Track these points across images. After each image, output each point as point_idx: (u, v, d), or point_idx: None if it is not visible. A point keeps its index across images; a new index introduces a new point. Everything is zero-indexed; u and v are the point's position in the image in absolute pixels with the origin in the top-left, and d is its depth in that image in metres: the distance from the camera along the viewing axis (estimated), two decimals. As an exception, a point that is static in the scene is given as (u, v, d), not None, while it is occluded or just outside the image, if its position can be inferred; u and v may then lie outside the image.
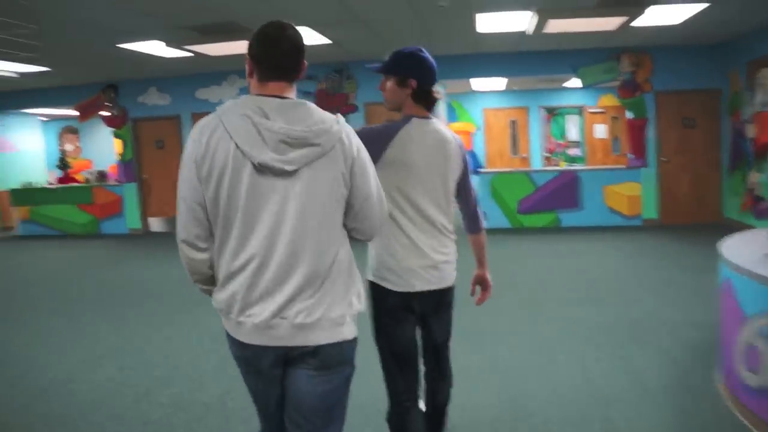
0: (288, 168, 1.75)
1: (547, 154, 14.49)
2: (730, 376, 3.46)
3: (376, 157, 2.34)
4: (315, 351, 1.84)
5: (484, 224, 2.87)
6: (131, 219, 12.03)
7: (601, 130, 14.21)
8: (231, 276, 1.83)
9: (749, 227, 6.79)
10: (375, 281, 2.54)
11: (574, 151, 14.44)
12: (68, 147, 15.55)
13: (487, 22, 7.50)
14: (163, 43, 7.71)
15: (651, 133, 10.01)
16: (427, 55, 2.52)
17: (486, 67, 10.41)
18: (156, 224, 12.22)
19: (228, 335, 1.91)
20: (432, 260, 2.50)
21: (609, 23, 7.14)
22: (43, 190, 12.63)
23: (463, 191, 2.68)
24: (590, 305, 5.63)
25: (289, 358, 1.87)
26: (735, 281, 3.36)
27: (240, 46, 7.38)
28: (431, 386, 2.81)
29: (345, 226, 1.93)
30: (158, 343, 5.16)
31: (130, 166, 11.97)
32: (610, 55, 9.90)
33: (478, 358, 4.45)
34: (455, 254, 2.64)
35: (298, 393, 1.90)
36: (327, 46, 8.72)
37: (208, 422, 3.64)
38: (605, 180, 10.04)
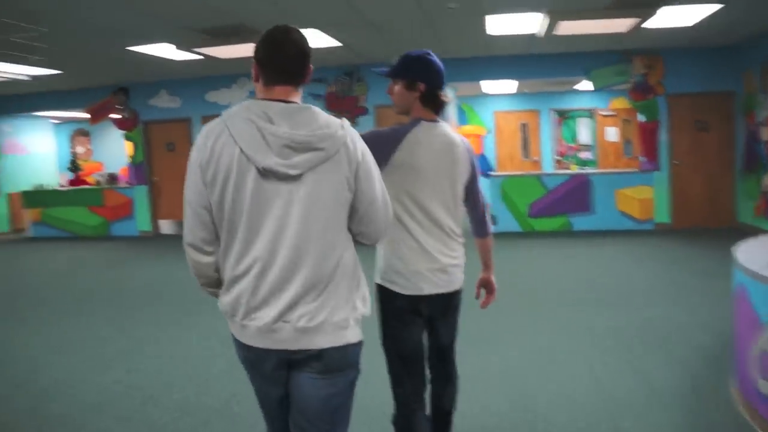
0: (292, 172, 1.75)
1: (559, 158, 14.41)
2: (744, 382, 3.39)
3: (384, 160, 2.37)
4: (318, 355, 1.84)
5: (492, 228, 2.84)
6: (141, 221, 12.07)
7: (612, 133, 14.12)
8: (235, 279, 1.83)
9: (763, 232, 6.71)
10: (383, 284, 2.53)
11: (585, 155, 14.35)
12: (79, 149, 15.64)
13: (497, 24, 7.46)
14: (173, 46, 7.73)
15: (663, 136, 9.92)
16: (435, 58, 2.51)
17: (496, 69, 10.37)
18: (166, 227, 12.25)
19: (233, 337, 1.92)
20: (440, 263, 2.49)
21: (620, 25, 7.08)
22: (54, 192, 12.71)
23: (471, 195, 2.67)
24: (601, 309, 5.57)
25: (292, 361, 1.87)
26: (750, 287, 3.30)
27: (249, 49, 7.34)
28: (437, 390, 2.79)
29: (350, 230, 1.93)
30: (166, 346, 5.14)
31: (140, 168, 12.01)
32: (621, 58, 9.83)
33: (487, 361, 4.40)
34: (463, 257, 2.62)
35: (303, 396, 1.90)
36: (337, 49, 8.71)
37: (214, 426, 3.61)
38: (617, 183, 9.96)
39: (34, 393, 4.22)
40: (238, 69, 9.98)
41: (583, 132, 14.42)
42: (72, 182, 13.89)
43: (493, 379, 4.10)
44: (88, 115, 12.12)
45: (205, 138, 1.81)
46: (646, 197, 9.87)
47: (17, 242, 12.18)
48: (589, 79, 10.17)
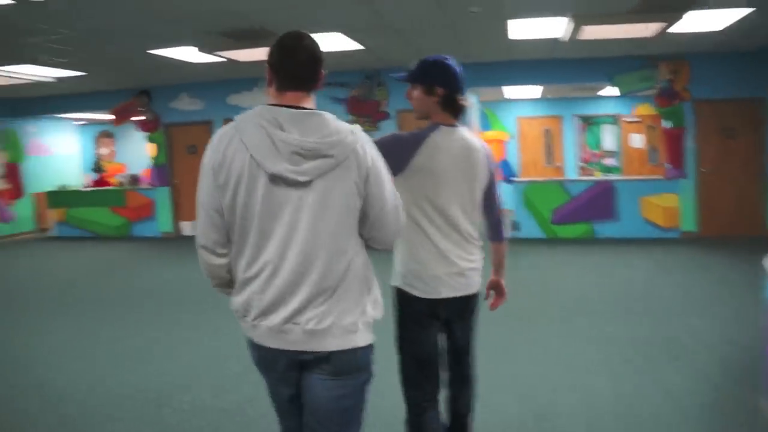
0: (301, 179, 1.78)
1: (583, 164, 14.24)
2: (773, 398, 3.28)
3: (403, 164, 2.42)
4: (328, 357, 1.86)
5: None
6: (163, 222, 12.14)
7: (637, 140, 13.92)
8: (247, 281, 1.87)
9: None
10: (401, 287, 2.55)
11: (609, 161, 14.16)
12: (103, 151, 15.78)
13: (520, 29, 7.37)
14: (195, 49, 7.74)
15: (689, 143, 9.72)
16: (453, 62, 2.53)
17: (519, 74, 10.25)
18: (187, 228, 12.30)
19: (246, 337, 1.96)
20: (458, 267, 2.51)
21: (645, 29, 6.93)
22: (77, 192, 12.85)
23: (488, 199, 2.67)
24: (625, 320, 5.43)
25: (303, 362, 1.89)
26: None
27: (271, 51, 7.35)
28: (453, 393, 2.78)
29: (361, 235, 1.94)
30: (182, 347, 5.13)
31: (162, 170, 12.08)
32: (646, 63, 9.66)
33: (507, 371, 4.31)
34: (481, 261, 2.65)
35: (314, 398, 1.92)
36: (358, 52, 8.68)
37: (227, 430, 3.59)
38: (642, 191, 9.78)
39: (49, 392, 4.23)
40: (259, 72, 9.88)
41: (607, 138, 14.24)
42: (95, 183, 14.03)
43: (513, 389, 4.01)
44: (112, 117, 12.23)
45: (218, 142, 1.85)
46: (671, 205, 9.68)
47: (41, 241, 12.31)
48: (614, 84, 10.02)
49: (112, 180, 13.92)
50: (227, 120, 10.99)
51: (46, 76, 9.36)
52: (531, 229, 10.06)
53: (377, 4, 6.17)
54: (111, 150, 15.90)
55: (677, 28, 7.14)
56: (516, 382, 4.12)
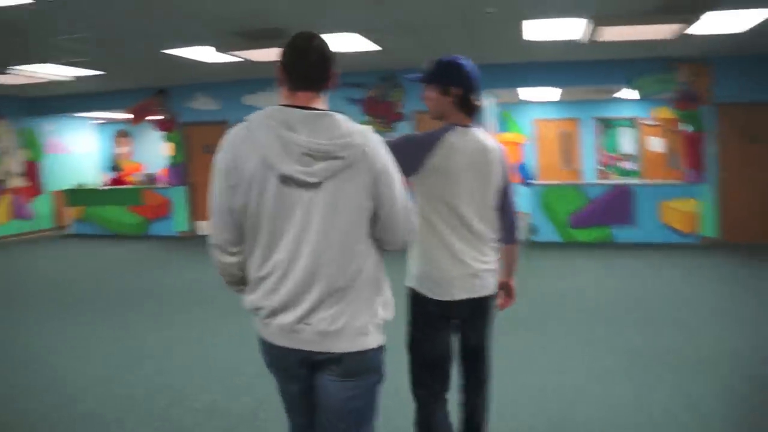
0: (311, 180, 1.79)
1: (601, 167, 14.10)
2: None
3: (418, 165, 2.43)
4: (339, 359, 1.88)
5: (521, 236, 2.79)
6: (179, 222, 12.17)
7: (656, 144, 13.76)
8: (259, 281, 1.90)
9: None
10: (415, 288, 2.56)
11: (627, 165, 14.01)
12: (121, 150, 15.87)
13: (535, 30, 7.28)
14: (212, 48, 7.75)
15: (710, 147, 9.58)
16: (468, 63, 2.53)
17: (536, 76, 10.15)
18: (203, 227, 12.32)
19: (258, 336, 1.99)
20: (472, 269, 2.51)
21: (664, 31, 6.83)
22: (95, 191, 12.93)
23: (503, 201, 2.65)
24: (645, 327, 5.33)
25: (314, 362, 1.91)
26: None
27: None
28: (468, 399, 2.77)
29: (372, 237, 1.93)
30: (196, 348, 5.11)
31: (179, 169, 12.12)
32: (666, 65, 9.53)
33: (525, 379, 4.24)
34: (496, 262, 2.64)
35: (325, 399, 1.94)
36: (375, 53, 8.65)
37: (240, 433, 3.56)
38: (661, 195, 9.65)
39: (64, 390, 4.24)
40: (275, 72, 9.95)
41: (626, 141, 14.09)
42: (113, 182, 14.11)
43: (531, 398, 3.94)
44: (129, 116, 12.29)
45: (229, 143, 1.87)
46: (691, 210, 9.55)
47: (59, 239, 12.40)
48: (633, 87, 9.90)
49: (129, 179, 13.99)
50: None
51: (64, 75, 9.41)
52: (548, 232, 9.98)
53: (393, 5, 6.13)
54: (128, 149, 15.98)
55: (698, 30, 7.03)
56: (531, 390, 4.05)
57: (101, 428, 3.64)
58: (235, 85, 11.31)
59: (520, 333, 5.18)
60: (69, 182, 13.45)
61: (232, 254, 1.93)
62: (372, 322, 1.90)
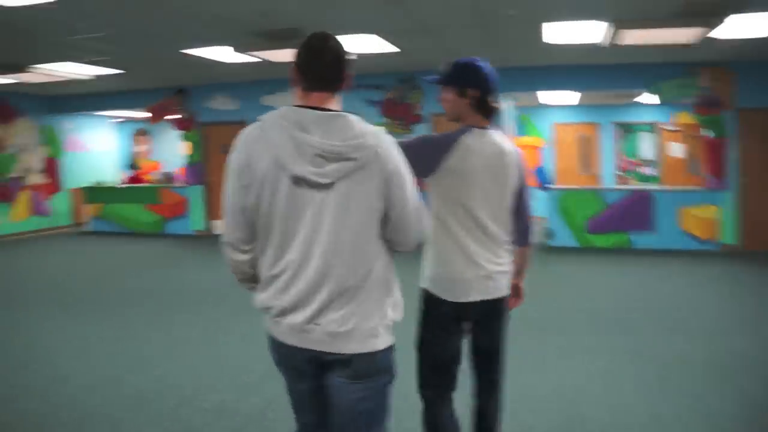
0: (323, 181, 1.80)
1: (620, 173, 13.95)
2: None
3: (434, 166, 2.42)
4: (348, 360, 1.88)
5: (535, 239, 2.76)
6: (196, 221, 12.21)
7: (676, 149, 13.59)
8: (270, 280, 1.91)
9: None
10: (429, 290, 2.55)
11: (647, 170, 13.85)
12: (139, 148, 15.97)
13: (555, 33, 7.21)
14: (231, 48, 7.76)
15: (731, 153, 9.44)
16: (485, 64, 2.52)
17: (554, 79, 10.07)
18: (219, 226, 12.37)
19: (267, 334, 2.00)
20: (486, 271, 2.49)
21: (687, 35, 6.72)
22: (113, 189, 13.02)
23: (518, 203, 2.63)
24: (662, 335, 5.23)
25: (323, 362, 1.92)
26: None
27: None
28: (480, 403, 2.75)
29: (383, 238, 1.93)
30: (207, 348, 5.11)
31: (197, 169, 12.17)
32: (688, 70, 9.40)
33: (539, 382, 4.19)
34: (510, 264, 2.63)
35: (336, 400, 1.95)
36: (394, 55, 8.62)
37: (248, 434, 3.53)
38: (680, 201, 9.52)
39: (73, 387, 4.24)
40: (289, 73, 9.95)
41: (645, 147, 13.94)
42: (131, 180, 14.20)
43: (543, 403, 3.88)
44: (148, 115, 12.37)
45: (242, 143, 1.89)
46: (711, 217, 9.40)
47: (77, 236, 12.50)
48: (654, 91, 9.78)
49: (147, 177, 14.08)
50: (261, 120, 11.03)
51: (85, 74, 9.49)
52: (565, 237, 9.88)
53: (413, 7, 6.10)
54: (147, 147, 16.08)
55: (721, 34, 6.92)
56: (544, 396, 3.98)
57: (110, 427, 3.63)
58: (254, 86, 11.34)
59: (533, 337, 5.12)
60: (87, 180, 13.58)
61: (244, 252, 1.95)
62: (382, 324, 1.90)
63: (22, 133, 12.38)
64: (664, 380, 4.21)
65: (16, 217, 12.27)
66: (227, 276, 2.11)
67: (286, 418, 3.43)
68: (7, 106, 11.97)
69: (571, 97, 12.24)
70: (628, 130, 13.97)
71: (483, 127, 2.51)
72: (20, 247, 11.05)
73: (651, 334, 5.24)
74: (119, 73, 9.75)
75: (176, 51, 8.07)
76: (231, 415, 3.77)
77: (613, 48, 7.54)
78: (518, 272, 2.80)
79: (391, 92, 10.82)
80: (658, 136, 13.79)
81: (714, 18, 6.20)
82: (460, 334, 2.59)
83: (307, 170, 1.78)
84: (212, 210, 12.21)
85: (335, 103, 1.91)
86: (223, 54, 8.25)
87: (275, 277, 1.89)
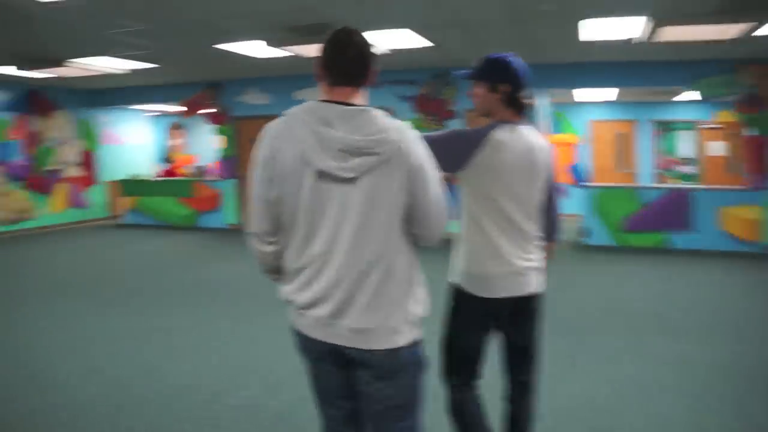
0: (347, 175, 1.81)
1: (658, 171, 13.67)
2: None
3: (465, 161, 2.41)
4: (372, 356, 1.90)
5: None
6: (228, 214, 12.28)
7: (717, 148, 13.27)
8: (294, 273, 1.94)
9: None
10: (458, 285, 2.55)
11: (686, 169, 13.55)
12: (174, 142, 16.15)
13: (592, 29, 7.04)
14: (263, 43, 7.76)
15: (775, 153, 9.15)
16: (517, 59, 2.52)
17: (591, 76, 9.86)
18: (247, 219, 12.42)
19: (292, 326, 2.02)
20: (516, 267, 2.48)
21: (730, 31, 6.51)
22: (147, 182, 13.17)
23: (547, 199, 2.62)
24: (701, 339, 5.06)
25: (348, 358, 1.94)
26: None
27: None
28: (513, 408, 2.71)
29: (407, 232, 1.94)
30: (237, 343, 5.11)
31: (230, 162, 12.24)
32: (730, 67, 9.12)
33: (566, 386, 4.08)
34: (541, 260, 2.62)
35: (365, 396, 1.98)
36: (427, 50, 8.52)
37: (276, 431, 3.51)
38: (721, 201, 9.25)
39: (105, 380, 4.28)
40: (314, 68, 9.93)
41: (685, 145, 13.63)
42: (165, 173, 14.36)
43: (573, 407, 3.78)
44: (183, 109, 12.47)
45: (268, 136, 1.93)
46: (753, 217, 9.13)
47: (112, 228, 12.68)
48: (694, 89, 9.52)
49: (181, 171, 14.21)
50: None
51: (121, 68, 9.59)
52: (601, 236, 9.69)
53: (447, 1, 6.00)
54: (182, 141, 16.25)
55: (764, 30, 6.68)
56: (576, 400, 3.88)
57: (139, 421, 3.64)
58: (286, 80, 11.35)
59: (566, 338, 5.01)
60: (123, 173, 13.77)
61: (270, 244, 1.99)
62: (405, 319, 1.92)
63: (60, 126, 12.60)
64: (707, 388, 4.06)
65: (55, 208, 12.49)
66: (258, 270, 2.09)
67: (316, 417, 3.40)
68: (46, 100, 12.19)
69: (608, 94, 12.02)
70: (666, 128, 13.67)
71: (514, 123, 2.49)
72: (57, 239, 11.24)
73: (690, 339, 5.09)
74: (154, 68, 9.84)
75: (209, 45, 8.10)
76: (260, 412, 3.75)
77: (652, 44, 7.36)
78: None
79: (423, 88, 10.73)
80: (698, 134, 13.48)
81: (757, 13, 5.98)
82: (487, 331, 2.59)
83: (330, 165, 1.80)
84: (245, 204, 12.26)
85: (360, 98, 1.93)
86: (256, 49, 8.26)
87: (300, 270, 1.92)
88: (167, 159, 15.42)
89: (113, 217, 13.64)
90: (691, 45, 7.55)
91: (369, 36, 1.94)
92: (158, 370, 4.46)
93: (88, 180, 13.27)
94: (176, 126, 16.11)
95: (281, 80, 11.44)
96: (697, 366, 4.47)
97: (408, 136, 1.87)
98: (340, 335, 1.88)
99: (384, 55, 8.45)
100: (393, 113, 10.32)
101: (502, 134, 2.42)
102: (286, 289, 1.99)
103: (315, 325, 1.91)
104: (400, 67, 10.26)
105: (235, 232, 11.82)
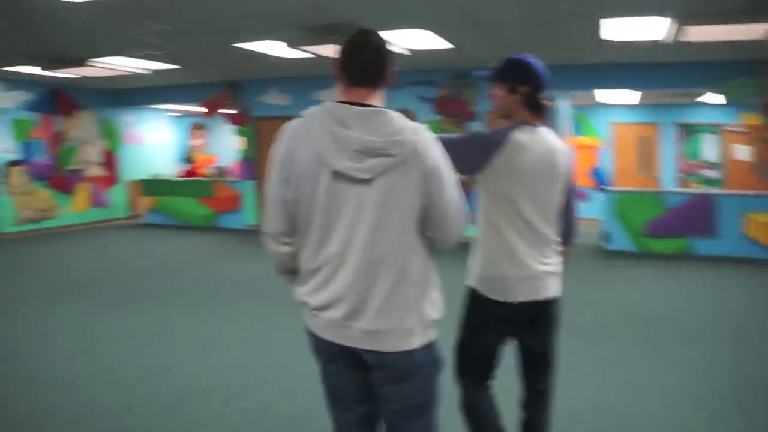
0: (362, 176, 1.81)
1: (681, 175, 13.47)
2: None
3: (483, 163, 2.38)
4: (385, 358, 1.89)
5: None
6: (248, 215, 12.31)
7: (742, 152, 13.05)
8: (309, 274, 1.95)
9: None
10: (475, 288, 2.53)
11: (710, 173, 13.34)
12: (195, 142, 16.25)
13: (615, 29, 6.94)
14: (284, 44, 7.76)
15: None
16: (537, 61, 2.49)
17: (613, 78, 9.73)
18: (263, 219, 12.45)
19: (306, 327, 2.02)
20: (534, 271, 2.45)
21: (757, 30, 6.37)
22: (168, 182, 13.26)
23: (565, 203, 2.59)
24: (722, 349, 4.94)
25: (362, 360, 1.94)
26: None
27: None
28: (528, 416, 2.68)
29: (423, 234, 1.93)
30: (255, 344, 5.10)
31: (250, 163, 12.27)
32: (754, 68, 8.94)
33: (585, 394, 4.01)
34: (559, 265, 2.59)
35: (381, 399, 1.99)
36: (447, 51, 8.47)
37: (290, 436, 3.48)
38: (746, 206, 9.07)
39: (119, 379, 4.28)
40: (331, 69, 9.92)
41: (709, 149, 13.43)
42: (186, 173, 14.44)
43: (587, 416, 3.71)
44: (204, 109, 12.54)
45: (286, 137, 1.93)
46: (778, 223, 8.95)
47: (133, 228, 12.78)
48: (720, 91, 9.36)
49: (202, 171, 14.29)
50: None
51: (143, 69, 9.66)
52: (621, 241, 9.56)
53: (467, 2, 5.95)
54: (203, 141, 16.35)
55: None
56: (591, 408, 3.81)
57: (151, 422, 3.64)
58: (307, 81, 11.34)
59: (582, 343, 4.94)
60: (144, 173, 13.88)
61: (285, 244, 2.00)
62: (420, 322, 1.91)
63: (83, 126, 12.73)
64: (723, 396, 3.97)
65: (77, 208, 12.62)
66: (274, 271, 2.10)
67: (330, 423, 3.38)
68: (70, 99, 12.32)
69: (630, 96, 11.86)
70: (690, 131, 13.47)
71: (533, 125, 2.47)
72: (79, 238, 11.35)
73: (709, 346, 4.98)
74: (175, 68, 9.89)
75: (229, 46, 8.11)
76: (274, 415, 3.73)
77: (676, 45, 7.24)
78: None
79: (444, 89, 10.67)
80: (723, 137, 13.27)
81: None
82: (503, 336, 2.57)
83: (346, 165, 1.80)
84: (264, 205, 12.28)
85: (377, 99, 1.93)
86: (277, 49, 8.26)
87: (315, 271, 1.92)
88: (188, 159, 15.51)
89: (134, 217, 13.75)
90: (715, 46, 7.42)
91: (388, 36, 1.92)
92: (170, 371, 4.46)
93: (110, 180, 13.39)
94: (198, 126, 16.21)
95: (302, 81, 11.44)
96: (717, 376, 4.36)
97: (424, 138, 1.86)
98: (354, 337, 1.88)
99: (403, 56, 8.41)
100: (413, 115, 10.29)
101: (522, 136, 2.40)
102: (301, 291, 1.99)
103: (327, 326, 1.91)
104: (420, 68, 10.21)
105: (254, 233, 11.84)
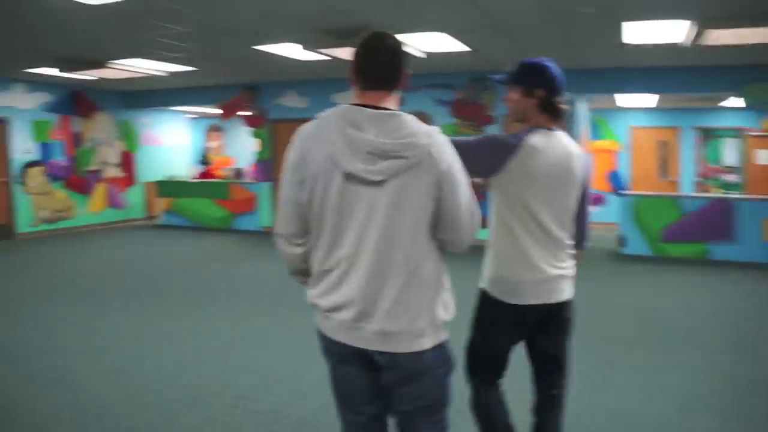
0: (375, 178, 1.81)
1: (700, 180, 13.32)
2: None
3: (499, 166, 2.36)
4: (396, 359, 1.90)
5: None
6: (264, 217, 12.34)
7: (763, 156, 12.88)
8: (322, 275, 1.94)
9: None
10: (487, 291, 2.52)
11: (730, 178, 13.17)
12: (212, 144, 16.32)
13: (635, 32, 6.87)
14: (300, 46, 7.77)
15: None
16: (553, 64, 2.48)
17: (633, 82, 9.63)
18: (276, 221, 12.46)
19: (317, 329, 2.02)
20: (546, 274, 2.43)
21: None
22: (184, 183, 13.32)
23: (579, 207, 2.56)
24: (742, 356, 4.85)
25: (373, 362, 1.94)
26: None
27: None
28: (539, 420, 2.65)
29: (435, 237, 1.93)
30: (265, 347, 5.09)
31: (266, 165, 12.30)
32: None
33: (602, 402, 3.95)
34: (573, 269, 2.56)
35: (391, 396, 1.99)
36: (465, 54, 8.43)
37: (300, 439, 3.47)
38: (765, 211, 8.93)
39: (131, 380, 4.29)
40: (347, 72, 9.90)
41: (729, 153, 13.26)
42: (202, 175, 14.51)
43: (608, 423, 3.64)
44: (220, 111, 12.59)
45: (299, 139, 1.94)
46: (799, 229, 8.80)
47: (149, 229, 12.86)
48: (741, 95, 9.23)
49: (218, 173, 14.35)
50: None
51: (160, 71, 9.71)
52: (638, 245, 9.45)
53: (485, 4, 5.92)
54: (219, 143, 16.42)
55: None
56: (607, 416, 3.74)
57: (163, 423, 3.64)
58: (324, 83, 11.35)
59: (600, 350, 4.87)
60: (161, 174, 13.96)
61: (297, 246, 2.00)
62: (431, 323, 1.91)
63: (101, 127, 12.84)
64: (742, 403, 3.89)
65: (93, 208, 12.71)
66: (286, 272, 2.12)
67: (339, 425, 3.35)
68: (88, 101, 12.42)
69: (649, 99, 11.75)
70: (710, 135, 13.32)
71: (549, 128, 2.45)
72: (95, 238, 11.43)
73: (728, 353, 4.88)
74: (192, 70, 9.93)
75: (246, 48, 8.14)
76: (284, 418, 3.71)
77: (697, 48, 7.15)
78: None
79: (461, 92, 10.63)
80: (744, 142, 13.11)
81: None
82: (514, 339, 2.56)
83: (358, 167, 1.80)
84: (278, 206, 12.30)
85: (392, 102, 1.93)
86: (294, 51, 8.27)
87: (326, 272, 1.92)
88: (204, 161, 15.59)
89: (150, 218, 13.84)
90: (735, 49, 7.32)
91: (405, 39, 1.91)
92: (182, 372, 4.46)
93: (127, 181, 13.49)
94: (214, 128, 16.28)
95: (319, 83, 11.45)
96: (737, 383, 4.27)
97: (437, 141, 1.86)
98: (365, 338, 1.88)
99: (420, 59, 8.39)
100: (429, 119, 10.25)
101: (537, 140, 2.38)
102: (312, 293, 1.99)
103: (339, 328, 1.91)
104: (437, 71, 10.18)
105: (269, 235, 11.84)
